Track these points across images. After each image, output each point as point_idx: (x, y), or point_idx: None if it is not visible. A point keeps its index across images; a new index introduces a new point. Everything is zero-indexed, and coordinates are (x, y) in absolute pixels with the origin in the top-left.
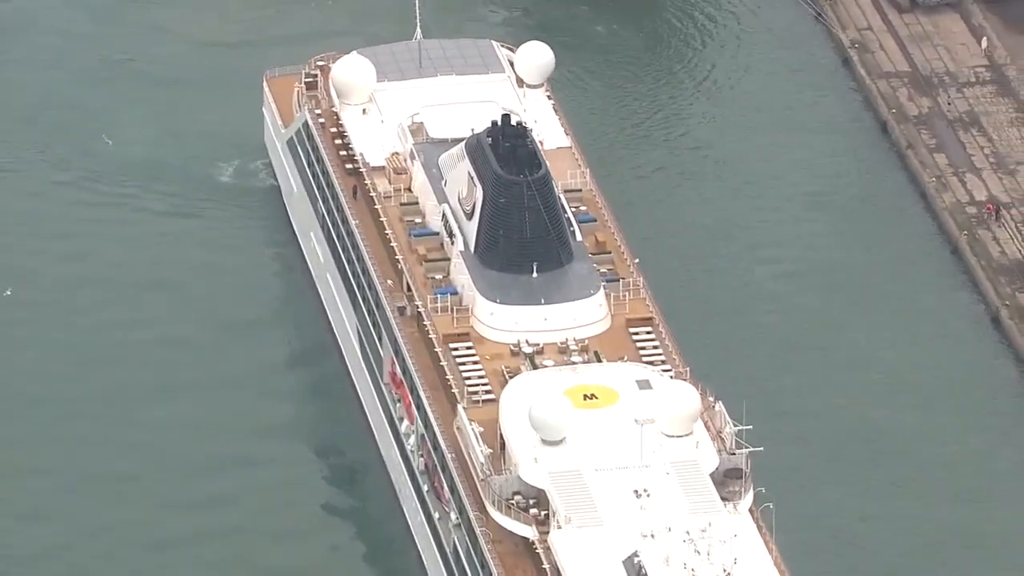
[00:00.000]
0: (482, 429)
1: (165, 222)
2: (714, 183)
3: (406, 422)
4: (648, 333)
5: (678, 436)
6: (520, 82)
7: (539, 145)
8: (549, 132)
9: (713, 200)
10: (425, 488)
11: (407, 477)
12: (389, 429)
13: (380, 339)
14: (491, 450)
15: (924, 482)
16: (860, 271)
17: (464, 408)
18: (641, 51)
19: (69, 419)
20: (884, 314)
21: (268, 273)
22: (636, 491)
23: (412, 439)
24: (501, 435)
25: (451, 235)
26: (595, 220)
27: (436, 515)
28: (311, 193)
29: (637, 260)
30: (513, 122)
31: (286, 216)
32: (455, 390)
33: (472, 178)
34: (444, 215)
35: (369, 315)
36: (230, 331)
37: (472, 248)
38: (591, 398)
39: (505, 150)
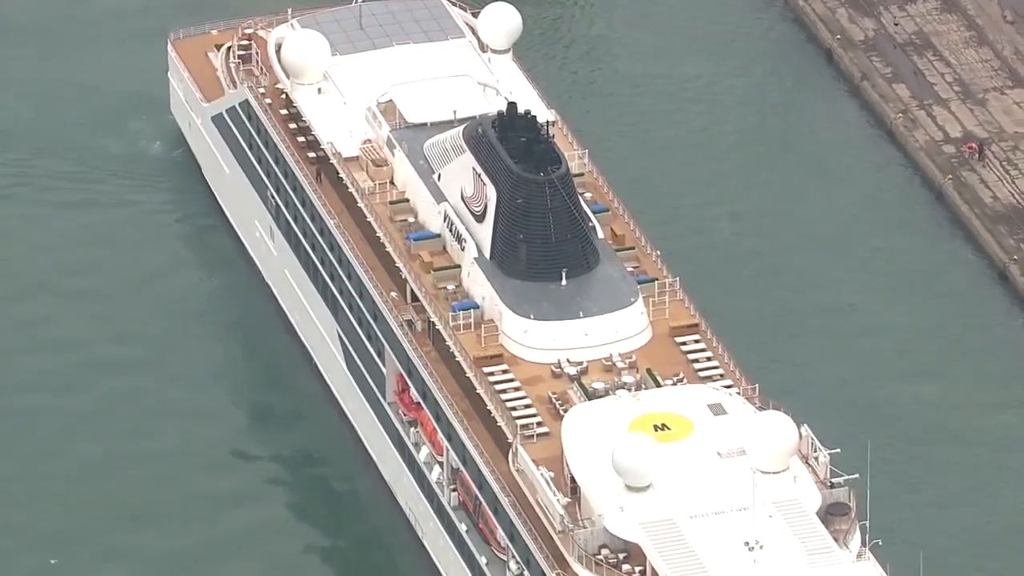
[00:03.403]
0: (552, 473)
1: (57, 207)
2: (663, 133)
3: (426, 450)
4: (697, 342)
5: (774, 472)
6: (483, 47)
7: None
8: (528, 106)
9: (664, 153)
10: (464, 528)
11: (431, 511)
12: (398, 454)
13: (381, 354)
14: (568, 499)
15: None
16: (842, 224)
17: (522, 446)
18: None
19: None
20: (880, 275)
21: (201, 267)
22: (747, 543)
23: (438, 470)
24: (572, 478)
25: (459, 240)
26: (607, 210)
27: (483, 560)
28: (256, 180)
29: (659, 252)
30: (520, 111)
31: (209, 195)
32: (502, 423)
33: (480, 175)
34: (446, 216)
35: (361, 325)
36: (171, 338)
37: (488, 254)
38: (663, 429)
39: (520, 145)
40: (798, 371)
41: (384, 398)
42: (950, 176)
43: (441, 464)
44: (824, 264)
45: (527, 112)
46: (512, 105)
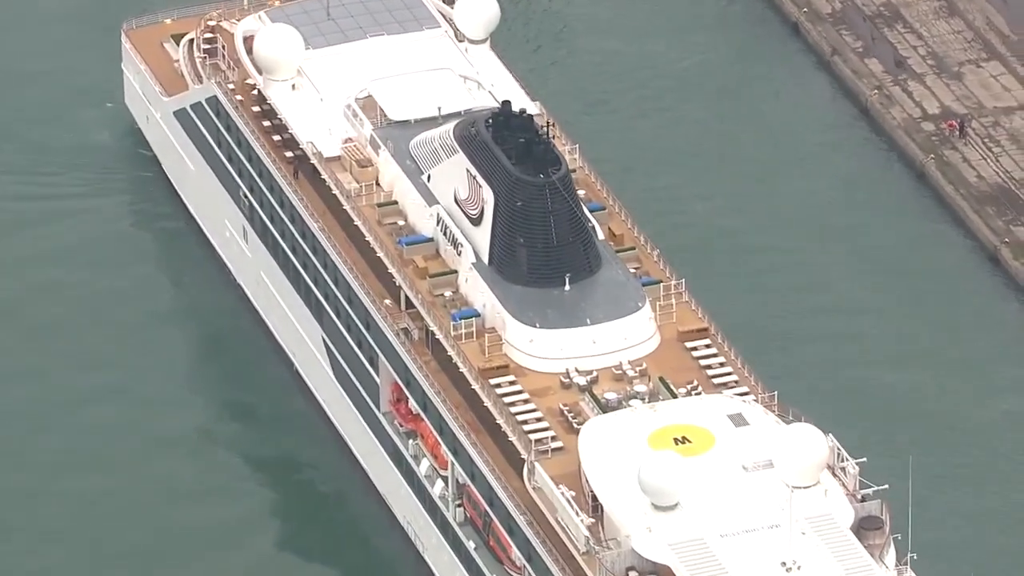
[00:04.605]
0: (573, 493)
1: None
2: (637, 122)
3: (427, 463)
4: (708, 347)
5: (805, 487)
6: (459, 36)
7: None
8: (512, 99)
9: (638, 142)
10: (472, 545)
11: (434, 526)
12: (395, 466)
13: (374, 362)
14: (592, 519)
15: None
16: (824, 210)
17: (537, 462)
18: None
19: None
20: (872, 265)
21: (169, 268)
22: (784, 563)
23: (441, 484)
24: (593, 496)
25: (456, 244)
26: (603, 208)
27: None
28: (226, 178)
29: (658, 251)
30: (515, 109)
31: (169, 189)
32: (514, 438)
33: (475, 177)
34: (440, 219)
35: (350, 332)
36: (144, 341)
37: (486, 259)
38: (683, 442)
39: (518, 146)
40: (798, 371)
41: (378, 408)
42: (932, 155)
43: (444, 478)
44: (810, 256)
45: (522, 111)
46: (506, 103)
